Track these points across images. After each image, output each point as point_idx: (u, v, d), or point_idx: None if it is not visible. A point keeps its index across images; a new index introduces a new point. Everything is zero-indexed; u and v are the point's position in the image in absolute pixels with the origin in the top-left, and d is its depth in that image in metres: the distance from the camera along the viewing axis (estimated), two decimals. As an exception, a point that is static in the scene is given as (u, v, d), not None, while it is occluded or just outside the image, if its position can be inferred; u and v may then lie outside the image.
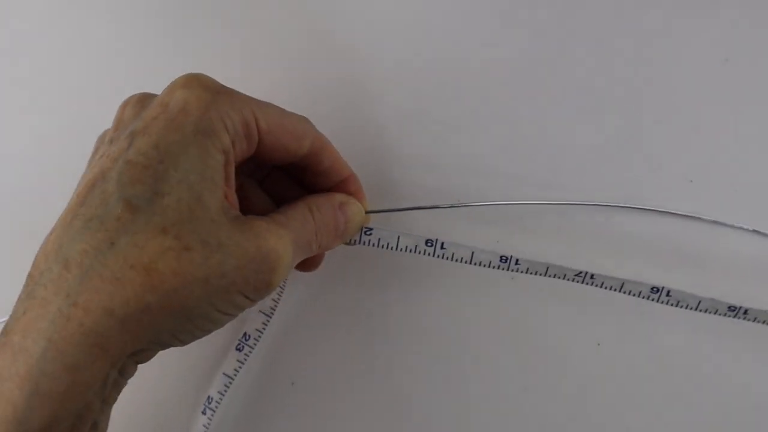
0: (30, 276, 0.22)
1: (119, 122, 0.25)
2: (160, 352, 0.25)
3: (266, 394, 0.33)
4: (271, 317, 0.32)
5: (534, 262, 0.29)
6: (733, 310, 0.29)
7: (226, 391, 0.32)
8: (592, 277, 0.29)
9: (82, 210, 0.22)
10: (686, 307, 0.29)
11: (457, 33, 0.34)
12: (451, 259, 0.30)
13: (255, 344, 0.32)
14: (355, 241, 0.30)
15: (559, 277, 0.30)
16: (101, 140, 0.26)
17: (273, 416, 0.33)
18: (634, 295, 0.30)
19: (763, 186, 0.32)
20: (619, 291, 0.30)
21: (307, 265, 0.30)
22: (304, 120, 0.27)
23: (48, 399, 0.21)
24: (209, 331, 0.24)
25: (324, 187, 0.29)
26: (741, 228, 0.31)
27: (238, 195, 0.26)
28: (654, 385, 0.32)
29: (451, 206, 0.32)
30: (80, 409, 0.21)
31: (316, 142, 0.27)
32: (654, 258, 0.32)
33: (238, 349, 0.32)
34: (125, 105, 0.25)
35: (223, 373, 0.32)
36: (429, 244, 0.30)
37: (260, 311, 0.32)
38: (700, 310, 0.29)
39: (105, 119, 0.26)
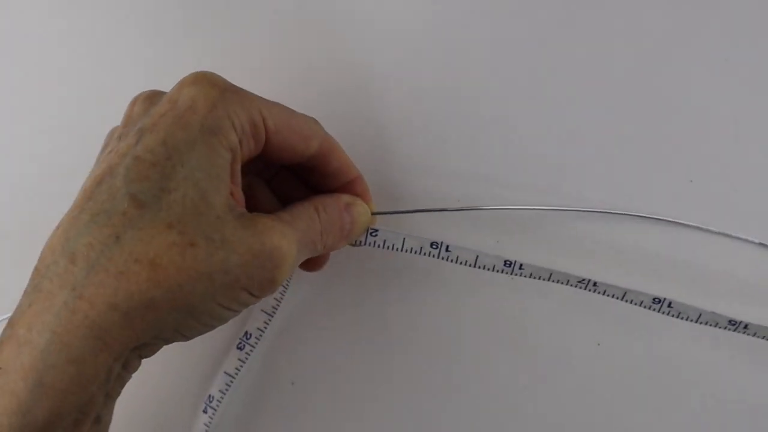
0: (36, 269, 0.22)
1: (128, 119, 0.25)
2: (164, 351, 0.25)
3: (266, 394, 0.33)
4: (272, 316, 0.32)
5: (538, 268, 0.29)
6: (734, 324, 0.29)
7: (227, 389, 0.32)
8: (594, 284, 0.30)
9: (89, 204, 0.22)
10: (687, 319, 0.29)
11: (463, 35, 0.34)
12: (456, 262, 0.30)
13: (256, 343, 0.32)
14: (360, 242, 0.30)
15: (562, 283, 0.30)
16: (110, 136, 0.26)
17: (273, 416, 0.33)
18: (635, 304, 0.30)
19: (764, 186, 0.32)
20: (621, 299, 0.30)
21: (312, 264, 0.30)
22: (313, 121, 0.27)
23: (52, 391, 0.21)
24: (213, 327, 0.24)
25: (331, 188, 0.29)
26: (747, 240, 0.31)
27: (246, 194, 0.26)
28: (654, 385, 0.32)
29: (459, 209, 0.32)
30: (84, 402, 0.22)
31: (324, 143, 0.27)
32: (657, 267, 0.32)
33: (240, 348, 0.32)
34: (134, 102, 0.25)
35: (225, 372, 0.32)
36: (434, 246, 0.30)
37: (262, 310, 0.32)
38: (701, 323, 0.29)
39: (114, 117, 0.27)
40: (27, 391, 0.21)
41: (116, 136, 0.25)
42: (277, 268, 0.24)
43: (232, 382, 0.32)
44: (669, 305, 0.29)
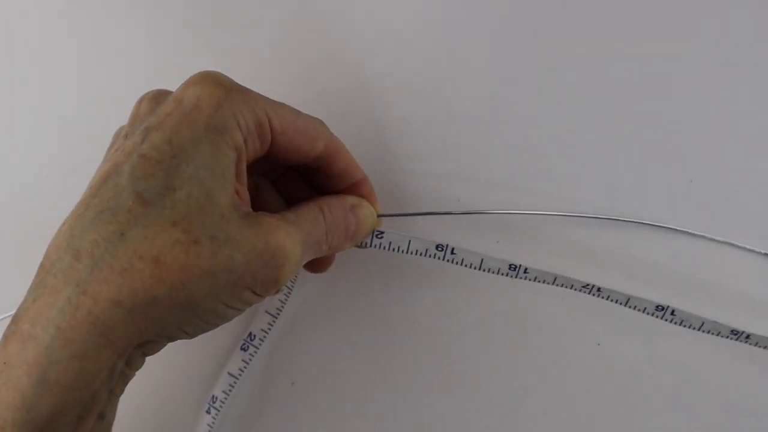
0: (41, 266, 0.23)
1: (135, 118, 0.25)
2: (167, 351, 0.25)
3: (266, 394, 0.33)
4: (277, 318, 0.32)
5: (542, 272, 0.29)
6: (736, 334, 0.29)
7: (230, 390, 0.32)
8: (599, 290, 0.30)
9: (94, 202, 0.22)
10: (689, 327, 0.29)
11: (465, 37, 0.34)
12: (461, 265, 0.30)
13: (260, 344, 0.32)
14: (366, 244, 0.30)
15: (566, 287, 0.30)
16: (117, 135, 0.26)
17: (273, 416, 0.33)
18: (639, 310, 0.30)
19: (764, 186, 0.32)
20: (625, 305, 0.30)
21: (317, 265, 0.30)
22: (319, 122, 0.27)
23: (55, 387, 0.21)
24: (216, 325, 0.24)
25: (337, 189, 0.29)
26: (753, 251, 0.31)
27: (252, 194, 0.26)
28: (654, 385, 0.32)
29: (465, 213, 0.32)
30: (87, 399, 0.22)
31: (330, 145, 0.27)
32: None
33: (243, 349, 0.32)
34: (141, 101, 0.26)
35: (228, 373, 0.32)
36: (440, 249, 0.30)
37: (266, 311, 0.32)
38: (703, 331, 0.29)
39: (120, 117, 0.27)
40: (31, 386, 0.21)
41: (123, 134, 0.25)
42: (280, 268, 0.24)
43: (235, 383, 0.32)
44: (672, 313, 0.29)
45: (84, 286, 0.21)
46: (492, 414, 0.32)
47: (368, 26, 0.35)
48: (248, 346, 0.32)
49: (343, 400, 0.33)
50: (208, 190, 0.22)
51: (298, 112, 0.26)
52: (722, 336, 0.29)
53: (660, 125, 0.32)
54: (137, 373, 0.24)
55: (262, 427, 0.33)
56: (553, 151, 0.33)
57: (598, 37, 0.33)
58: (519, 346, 0.32)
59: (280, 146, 0.26)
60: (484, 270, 0.30)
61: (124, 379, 0.23)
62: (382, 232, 0.30)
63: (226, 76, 0.24)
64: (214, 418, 0.32)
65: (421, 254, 0.30)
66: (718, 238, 0.31)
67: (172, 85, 0.25)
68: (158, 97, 0.25)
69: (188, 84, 0.24)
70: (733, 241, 0.31)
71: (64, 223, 0.23)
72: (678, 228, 0.31)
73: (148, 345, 0.23)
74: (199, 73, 0.24)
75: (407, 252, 0.30)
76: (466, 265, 0.30)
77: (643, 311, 0.30)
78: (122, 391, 0.24)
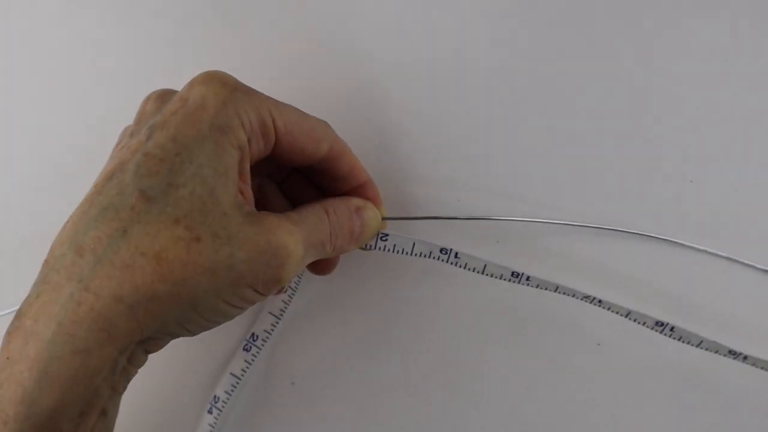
0: (45, 262, 0.23)
1: (140, 116, 0.25)
2: (169, 350, 0.25)
3: (266, 394, 0.33)
4: (280, 319, 0.32)
5: (545, 281, 0.29)
6: (734, 354, 0.29)
7: (233, 390, 0.32)
8: (600, 302, 0.30)
9: (98, 199, 0.22)
10: (688, 344, 0.30)
11: (467, 38, 0.34)
12: (464, 268, 0.30)
13: (263, 345, 0.32)
14: (371, 246, 0.30)
15: (568, 295, 0.30)
16: (123, 134, 0.27)
17: (273, 416, 0.33)
18: (639, 323, 0.30)
19: (764, 186, 0.32)
20: (625, 317, 0.30)
21: (321, 267, 0.31)
22: (323, 124, 0.27)
23: (57, 382, 0.21)
24: (217, 323, 0.24)
25: (341, 192, 0.29)
26: (754, 267, 0.31)
27: (256, 195, 0.26)
28: (654, 385, 0.31)
29: (469, 218, 0.32)
30: (89, 394, 0.22)
31: (335, 146, 0.28)
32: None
33: (246, 350, 0.32)
34: (147, 100, 0.26)
35: (231, 373, 0.32)
36: (443, 252, 0.30)
37: (269, 312, 0.32)
38: (702, 348, 0.30)
39: (122, 116, 0.27)
40: (33, 381, 0.21)
41: (128, 133, 0.25)
42: (282, 267, 0.24)
43: (238, 383, 0.32)
44: (671, 329, 0.29)
45: (86, 282, 0.21)
46: (492, 414, 0.32)
47: (371, 29, 0.35)
48: (251, 347, 0.32)
49: (343, 400, 0.33)
50: (211, 188, 0.22)
51: (303, 113, 0.26)
52: (720, 354, 0.29)
53: (659, 124, 0.32)
54: (139, 371, 0.24)
55: (262, 427, 0.33)
56: (555, 159, 0.33)
57: (598, 38, 0.33)
58: (519, 346, 0.32)
59: (284, 147, 0.26)
60: (486, 275, 0.30)
61: (126, 375, 0.23)
62: (387, 235, 0.30)
63: (231, 76, 0.25)
64: (216, 418, 0.32)
65: (425, 257, 0.30)
66: (721, 252, 0.31)
67: (177, 85, 0.25)
68: (164, 96, 0.25)
69: (193, 83, 0.24)
70: (735, 257, 0.31)
71: (68, 220, 0.23)
72: (680, 242, 0.31)
73: (150, 342, 0.23)
74: (205, 72, 0.24)
75: (411, 254, 0.30)
76: (469, 270, 0.30)
77: (643, 325, 0.30)
78: (124, 388, 0.24)
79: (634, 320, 0.30)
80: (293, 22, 0.36)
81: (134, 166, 0.22)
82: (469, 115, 0.34)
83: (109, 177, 0.23)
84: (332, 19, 0.35)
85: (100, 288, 0.21)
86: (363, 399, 0.33)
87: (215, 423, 0.32)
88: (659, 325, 0.29)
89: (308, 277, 0.33)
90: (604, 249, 0.32)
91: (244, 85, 0.25)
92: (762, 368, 0.29)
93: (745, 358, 0.29)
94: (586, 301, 0.30)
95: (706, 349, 0.29)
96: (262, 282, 0.23)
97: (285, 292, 0.32)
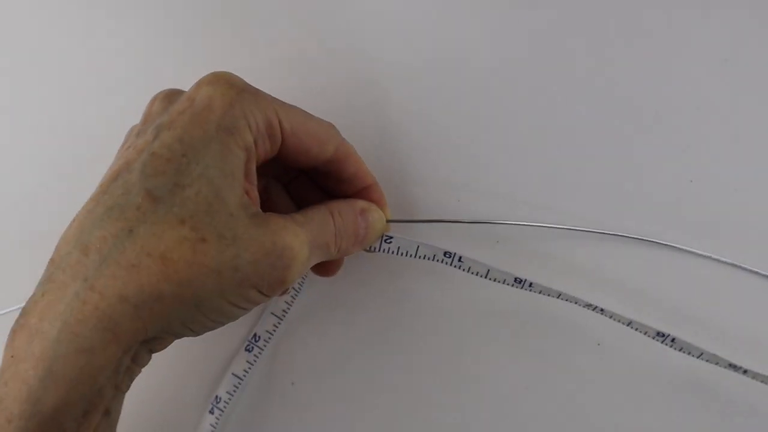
0: (51, 260, 0.23)
1: (147, 116, 0.25)
2: (172, 350, 0.25)
3: (266, 394, 0.33)
4: (282, 319, 0.32)
5: (547, 287, 0.29)
6: (734, 368, 0.29)
7: (234, 391, 0.32)
8: (602, 310, 0.30)
9: (104, 198, 0.22)
10: (688, 354, 0.30)
11: (468, 40, 0.34)
12: (467, 272, 0.30)
13: (265, 345, 0.33)
14: (375, 248, 0.30)
15: (570, 302, 0.30)
16: (130, 134, 0.27)
17: (273, 416, 0.33)
18: (640, 332, 0.30)
19: (764, 186, 0.32)
20: (627, 326, 0.30)
21: (326, 269, 0.31)
22: (330, 126, 0.27)
23: (61, 380, 0.21)
24: (221, 324, 0.24)
25: (347, 194, 0.29)
26: (758, 273, 0.31)
27: (263, 196, 0.26)
28: (654, 385, 0.31)
29: (473, 222, 0.32)
30: (93, 393, 0.22)
31: (341, 148, 0.28)
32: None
33: (248, 350, 0.32)
34: (154, 100, 0.26)
35: (232, 374, 0.32)
36: (447, 256, 0.30)
37: (272, 313, 0.32)
38: (702, 360, 0.30)
39: (126, 116, 0.27)
40: (37, 379, 0.21)
41: (135, 133, 0.25)
42: (287, 268, 0.24)
43: (239, 383, 0.32)
44: (672, 340, 0.29)
45: (91, 282, 0.21)
46: (493, 413, 0.32)
47: (371, 29, 0.35)
48: (253, 348, 0.32)
49: (343, 400, 0.33)
50: (217, 188, 0.22)
51: (309, 115, 0.27)
52: (721, 366, 0.29)
53: (659, 124, 0.32)
54: (142, 371, 0.24)
55: (263, 428, 0.33)
56: (555, 159, 0.33)
57: (599, 39, 0.33)
58: (519, 346, 0.32)
59: (290, 148, 0.26)
60: (489, 279, 0.30)
61: (130, 375, 0.23)
62: (391, 237, 0.30)
63: (238, 77, 0.25)
64: (218, 419, 0.32)
65: (429, 260, 0.30)
66: (724, 259, 0.31)
67: (183, 85, 0.25)
68: (171, 96, 0.25)
69: (201, 84, 0.24)
70: (738, 263, 0.31)
71: (74, 219, 0.23)
72: (682, 247, 0.31)
73: (154, 341, 0.23)
74: (212, 73, 0.24)
75: (415, 257, 0.30)
76: (472, 273, 0.30)
77: (645, 334, 0.30)
78: (128, 388, 0.24)
79: (636, 329, 0.30)
80: (293, 22, 0.36)
81: (141, 165, 0.22)
82: (469, 115, 0.34)
83: (115, 176, 0.23)
84: (333, 20, 0.35)
85: (105, 287, 0.21)
86: (364, 400, 0.33)
87: (217, 423, 0.32)
88: (660, 336, 0.29)
89: (311, 278, 0.33)
90: (605, 253, 0.32)
91: (251, 87, 0.25)
92: (762, 382, 0.29)
93: (745, 371, 0.29)
94: (588, 309, 0.30)
95: (707, 361, 0.30)
96: (267, 283, 0.23)
97: (288, 293, 0.32)
